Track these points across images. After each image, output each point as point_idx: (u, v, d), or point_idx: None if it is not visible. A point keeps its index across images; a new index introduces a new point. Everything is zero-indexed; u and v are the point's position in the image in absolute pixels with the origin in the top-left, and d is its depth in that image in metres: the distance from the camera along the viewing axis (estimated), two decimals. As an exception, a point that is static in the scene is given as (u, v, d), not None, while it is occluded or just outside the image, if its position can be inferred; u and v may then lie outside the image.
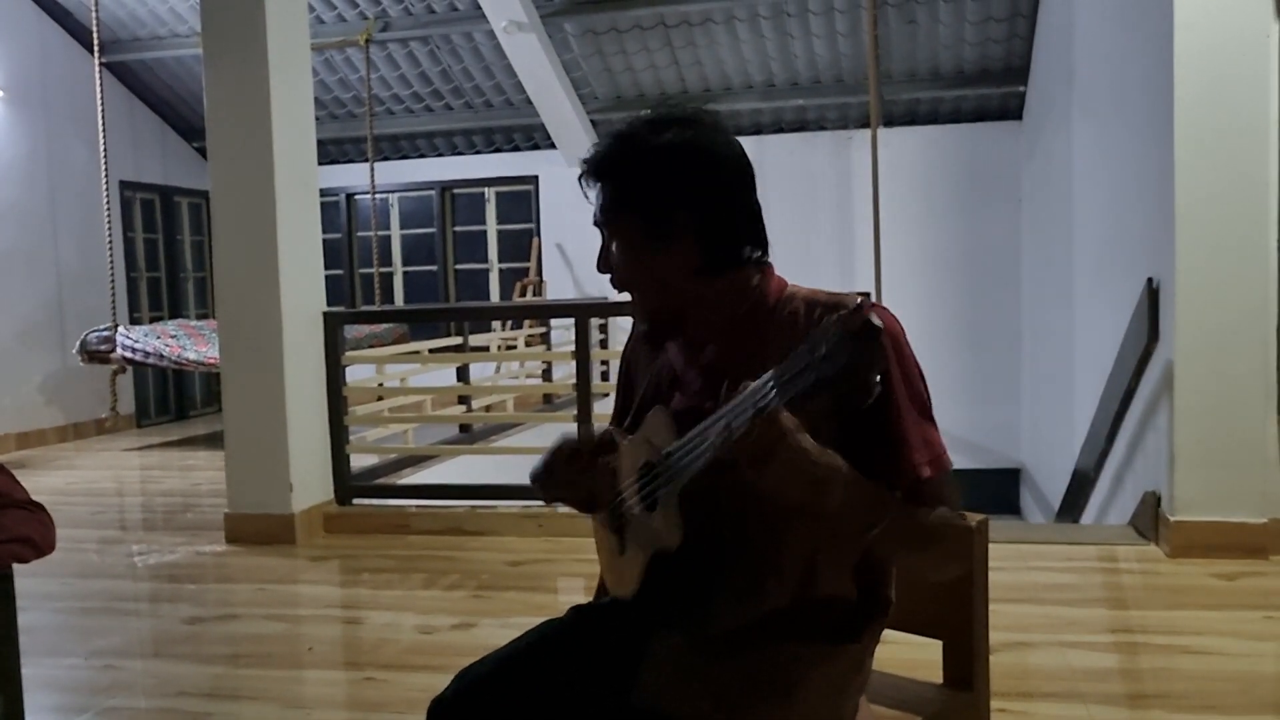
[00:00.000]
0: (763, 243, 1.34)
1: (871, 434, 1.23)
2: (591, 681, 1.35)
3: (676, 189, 1.28)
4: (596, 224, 1.35)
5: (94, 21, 6.94)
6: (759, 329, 1.31)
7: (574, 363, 4.72)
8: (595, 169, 1.32)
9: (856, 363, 0.99)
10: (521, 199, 10.25)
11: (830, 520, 1.19)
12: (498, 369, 9.04)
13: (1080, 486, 5.33)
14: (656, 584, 1.32)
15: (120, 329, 7.40)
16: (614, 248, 1.34)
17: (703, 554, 1.29)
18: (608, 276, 1.36)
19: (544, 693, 1.35)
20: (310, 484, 4.58)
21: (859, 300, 1.04)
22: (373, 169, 8.94)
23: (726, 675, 1.28)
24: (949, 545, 1.30)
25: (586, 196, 1.35)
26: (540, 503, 4.59)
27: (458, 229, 10.50)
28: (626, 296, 1.37)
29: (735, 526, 1.29)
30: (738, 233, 1.32)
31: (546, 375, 8.93)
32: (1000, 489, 8.80)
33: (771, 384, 1.06)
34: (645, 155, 1.29)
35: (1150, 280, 4.06)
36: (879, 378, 1.05)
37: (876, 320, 0.99)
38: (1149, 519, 3.92)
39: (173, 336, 7.58)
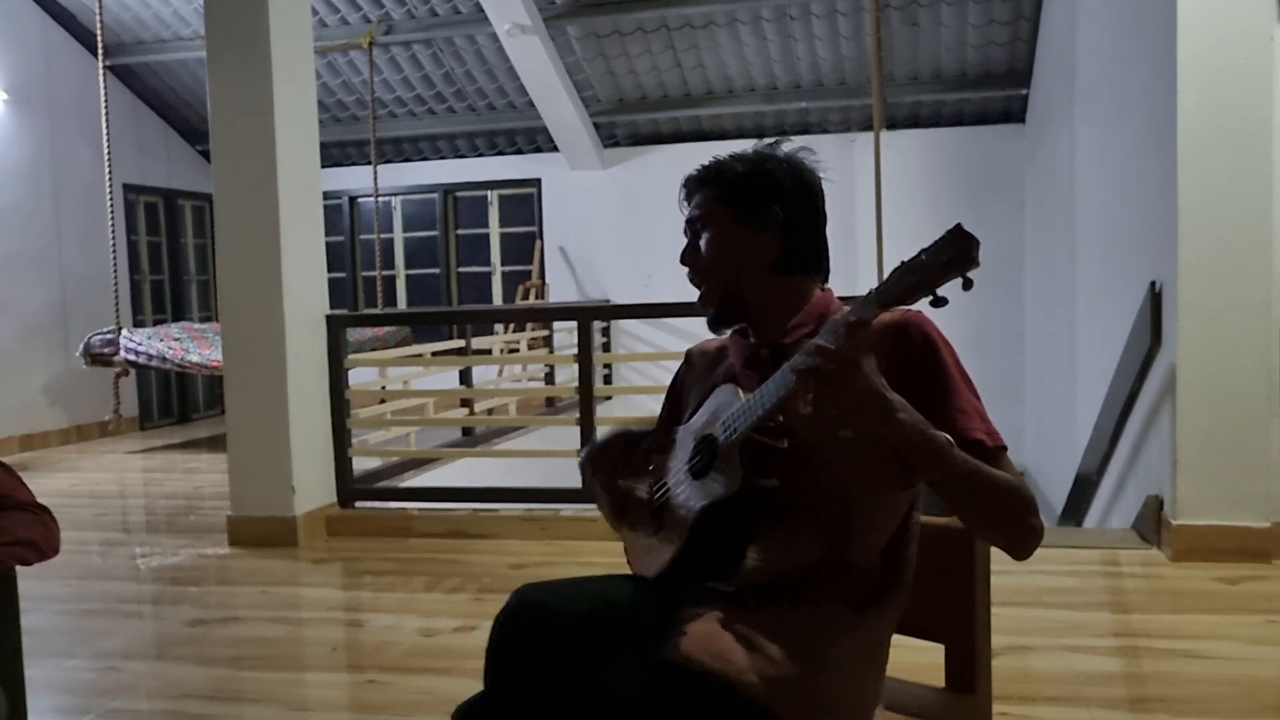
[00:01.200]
0: (826, 271, 1.51)
1: (929, 403, 1.31)
2: (635, 632, 1.40)
3: (772, 187, 1.46)
4: (690, 222, 1.52)
5: (98, 25, 6.96)
6: (814, 335, 1.40)
7: (576, 366, 4.71)
8: (702, 172, 1.51)
9: (955, 259, 1.13)
10: (524, 202, 10.26)
11: (894, 453, 1.25)
12: (500, 372, 9.05)
13: (1083, 490, 5.33)
14: (699, 545, 1.40)
15: (124, 331, 7.41)
16: (702, 239, 1.50)
17: (746, 508, 1.37)
18: (686, 271, 1.53)
19: (599, 630, 1.39)
20: (313, 487, 4.59)
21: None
22: (375, 172, 8.96)
23: (759, 636, 1.31)
24: (1011, 502, 1.30)
25: (682, 209, 1.53)
26: (543, 506, 4.61)
27: (460, 232, 10.51)
28: (694, 295, 1.53)
29: (782, 486, 1.36)
30: (811, 245, 1.49)
31: (549, 378, 8.94)
32: (1003, 492, 8.77)
33: (866, 298, 1.19)
34: (750, 161, 1.49)
35: (1153, 284, 4.06)
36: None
37: (969, 231, 1.13)
38: (1152, 523, 3.91)
39: (176, 339, 7.59)
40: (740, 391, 1.41)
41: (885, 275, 1.20)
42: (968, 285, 1.15)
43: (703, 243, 1.50)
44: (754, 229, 1.46)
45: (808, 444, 1.34)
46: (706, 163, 1.52)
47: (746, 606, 1.35)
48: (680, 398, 1.63)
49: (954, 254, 1.13)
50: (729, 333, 1.56)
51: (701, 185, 1.51)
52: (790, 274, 1.47)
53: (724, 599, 1.37)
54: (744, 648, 1.30)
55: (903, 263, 1.17)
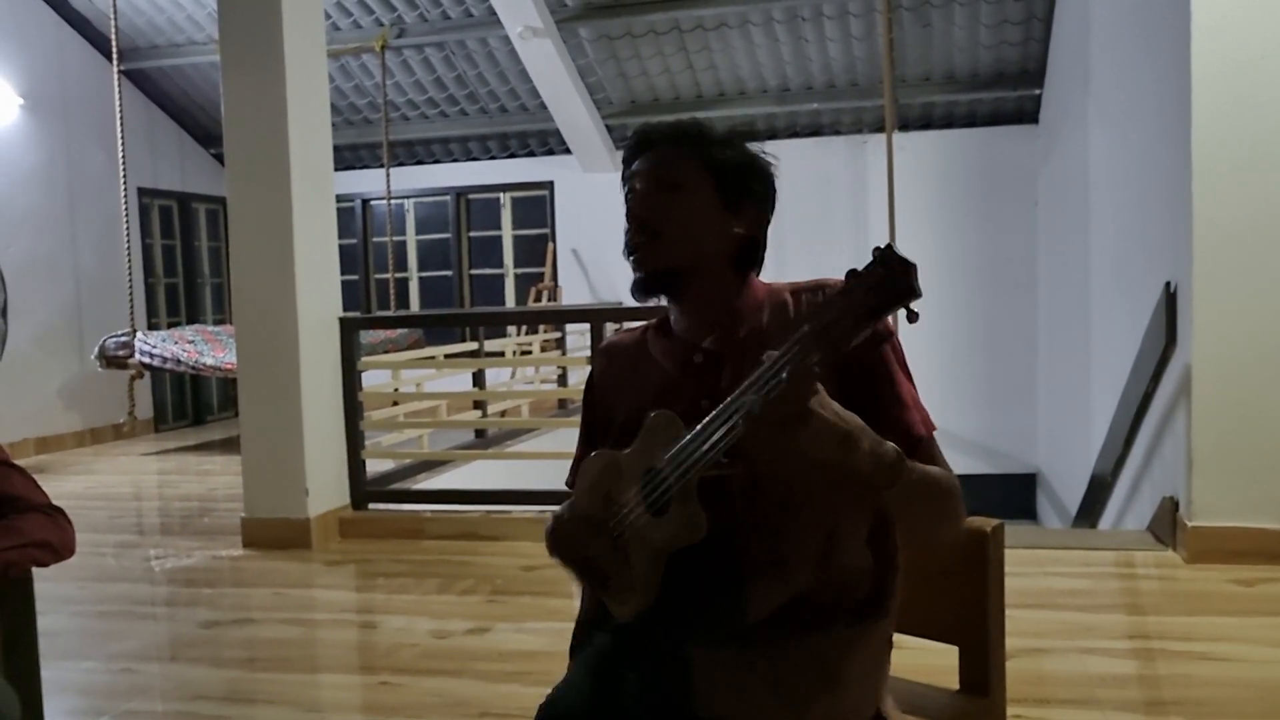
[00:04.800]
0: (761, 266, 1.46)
1: (872, 399, 1.28)
2: (649, 703, 1.32)
3: (757, 180, 1.39)
4: (653, 175, 1.39)
5: (113, 30, 6.99)
6: (754, 321, 1.37)
7: (589, 368, 4.71)
8: (683, 128, 1.40)
9: (894, 294, 1.04)
10: (537, 204, 10.27)
11: (854, 479, 1.19)
12: (513, 374, 9.06)
13: (1097, 491, 5.30)
14: (681, 584, 1.31)
15: (138, 334, 7.45)
16: (667, 198, 1.37)
17: (722, 545, 1.30)
18: (633, 224, 1.41)
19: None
20: (326, 489, 4.60)
21: (882, 247, 1.08)
22: (388, 174, 8.98)
23: (778, 672, 1.29)
24: (952, 501, 1.31)
25: (635, 156, 1.43)
26: (555, 508, 4.60)
27: (473, 234, 10.53)
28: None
29: (752, 511, 1.31)
30: (765, 245, 1.43)
31: (562, 380, 8.94)
32: (1017, 494, 8.76)
33: (796, 344, 1.09)
34: (736, 143, 1.39)
35: (1168, 284, 4.04)
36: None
37: (903, 254, 1.04)
38: (1167, 524, 3.89)
39: (190, 342, 7.62)
40: (675, 420, 1.28)
41: (821, 304, 1.10)
42: (912, 318, 1.05)
43: (668, 204, 1.37)
44: (733, 215, 1.37)
45: (770, 472, 1.23)
46: (680, 120, 1.41)
47: (756, 643, 1.30)
48: (602, 401, 1.54)
49: (892, 288, 1.04)
50: (641, 328, 1.51)
51: (681, 143, 1.39)
52: (741, 272, 1.40)
53: (732, 644, 1.31)
54: (769, 690, 1.28)
55: (834, 298, 1.08)
